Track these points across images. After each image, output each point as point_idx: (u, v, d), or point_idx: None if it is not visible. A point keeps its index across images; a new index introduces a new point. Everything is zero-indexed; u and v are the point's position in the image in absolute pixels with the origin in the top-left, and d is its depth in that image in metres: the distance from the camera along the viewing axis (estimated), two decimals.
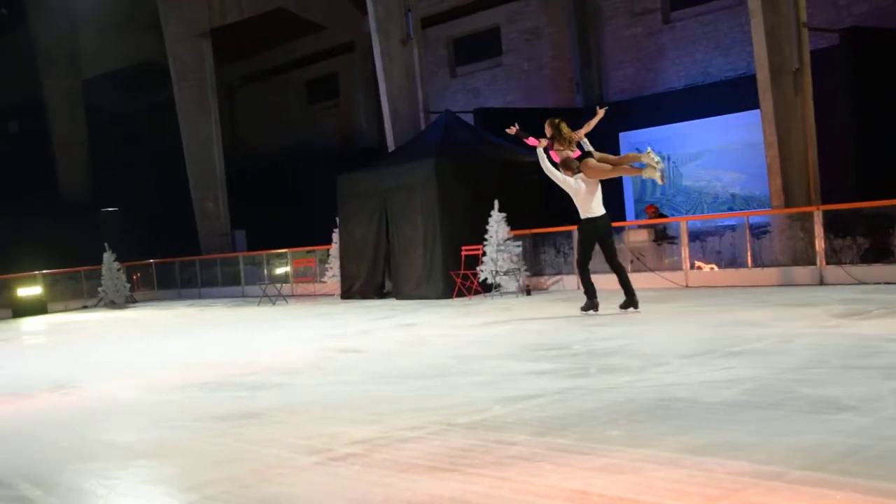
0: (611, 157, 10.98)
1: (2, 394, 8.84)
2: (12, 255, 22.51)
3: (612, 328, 9.52)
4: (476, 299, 14.67)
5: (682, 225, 14.22)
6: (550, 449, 4.64)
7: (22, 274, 21.93)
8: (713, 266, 13.84)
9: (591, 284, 10.84)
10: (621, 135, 20.92)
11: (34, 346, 14.78)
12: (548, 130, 10.89)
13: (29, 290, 21.89)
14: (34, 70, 29.38)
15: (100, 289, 22.05)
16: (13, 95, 30.86)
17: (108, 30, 28.06)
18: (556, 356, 7.84)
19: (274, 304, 17.78)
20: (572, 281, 14.99)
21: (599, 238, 10.67)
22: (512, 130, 11.02)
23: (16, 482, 5.04)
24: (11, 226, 25.50)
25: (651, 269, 14.20)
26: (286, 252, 20.52)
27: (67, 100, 29.68)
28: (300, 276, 20.12)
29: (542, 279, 15.50)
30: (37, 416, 7.40)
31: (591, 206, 10.60)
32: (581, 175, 10.63)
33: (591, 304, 10.81)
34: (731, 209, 18.82)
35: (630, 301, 10.61)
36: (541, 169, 10.70)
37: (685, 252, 13.88)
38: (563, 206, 16.29)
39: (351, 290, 17.23)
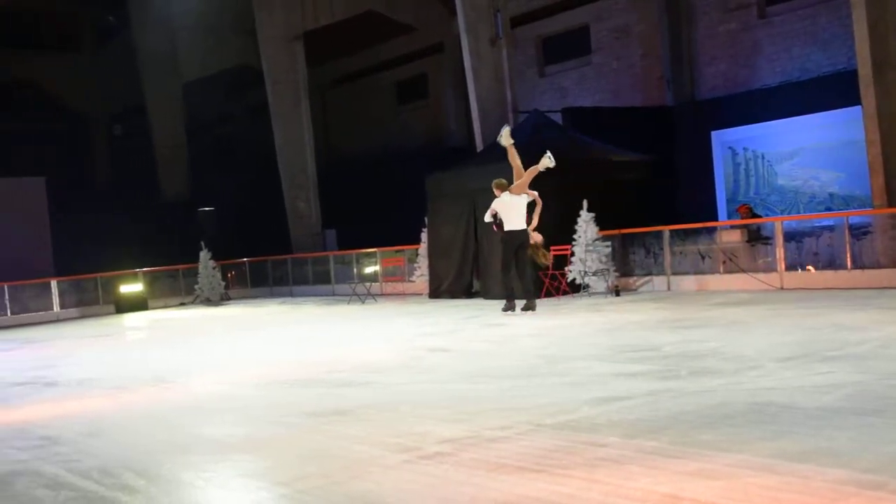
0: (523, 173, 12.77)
1: (106, 388, 9.19)
2: (116, 254, 23.34)
3: (703, 330, 9.33)
4: (564, 299, 14.57)
5: (777, 225, 13.84)
6: (640, 452, 4.59)
7: (125, 271, 22.72)
8: (810, 267, 13.45)
9: (513, 288, 12.83)
10: (713, 133, 20.50)
11: (135, 342, 15.31)
12: (497, 190, 12.95)
13: (131, 287, 22.66)
14: (137, 75, 30.41)
15: (196, 286, 22.68)
16: (117, 100, 32.08)
17: (205, 35, 28.86)
18: (646, 358, 7.74)
19: (363, 302, 18.00)
20: (663, 282, 14.77)
21: (517, 247, 12.63)
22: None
23: (120, 472, 5.24)
24: (115, 225, 26.48)
25: (744, 271, 13.87)
26: (375, 251, 20.74)
27: (167, 103, 30.61)
28: (389, 275, 20.32)
29: (632, 280, 15.30)
30: (138, 409, 7.68)
31: (514, 220, 12.57)
32: (508, 192, 12.67)
33: (510, 305, 12.75)
34: (828, 209, 18.22)
35: (529, 304, 12.55)
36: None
37: (780, 253, 13.51)
38: (655, 207, 16.13)
39: (439, 290, 17.31)
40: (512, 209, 12.59)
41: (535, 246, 12.68)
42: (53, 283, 21.93)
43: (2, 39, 31.16)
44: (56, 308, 21.52)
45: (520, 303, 12.71)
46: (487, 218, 12.92)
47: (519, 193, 12.61)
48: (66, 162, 32.06)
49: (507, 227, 12.59)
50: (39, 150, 30.70)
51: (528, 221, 12.70)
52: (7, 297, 21.16)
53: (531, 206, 12.73)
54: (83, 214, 27.12)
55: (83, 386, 9.47)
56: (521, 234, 12.61)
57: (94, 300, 22.21)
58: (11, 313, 21.05)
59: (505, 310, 12.75)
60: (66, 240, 24.57)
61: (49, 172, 27.19)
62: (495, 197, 12.95)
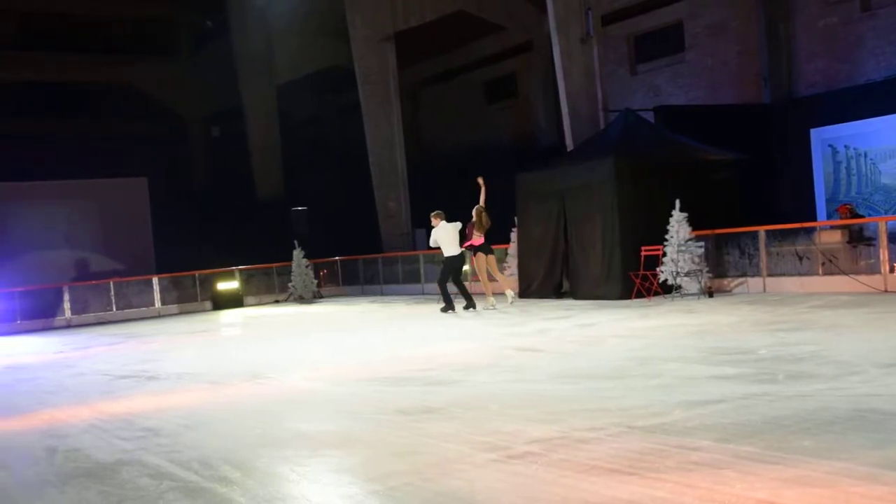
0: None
1: (205, 382, 9.48)
2: (214, 252, 24.03)
3: (801, 333, 9.07)
4: (655, 300, 14.36)
5: (881, 225, 13.33)
6: (735, 456, 4.50)
7: (222, 269, 23.36)
8: None
9: (450, 295, 15.33)
10: (812, 131, 19.90)
11: (232, 338, 15.72)
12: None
13: (227, 285, 23.26)
14: (234, 77, 31.22)
15: (290, 284, 23.14)
16: (215, 102, 32.99)
17: (298, 38, 29.44)
18: (741, 360, 7.57)
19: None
20: (758, 283, 14.41)
21: (456, 268, 15.57)
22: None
23: (217, 464, 5.41)
24: (213, 224, 27.26)
25: (844, 272, 13.42)
26: (464, 251, 20.76)
27: (262, 105, 31.29)
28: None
29: (725, 281, 14.96)
30: (235, 403, 7.89)
31: (451, 247, 15.28)
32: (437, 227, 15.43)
33: (449, 307, 15.17)
34: None
35: (469, 304, 15.37)
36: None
37: (884, 254, 13.02)
38: (751, 207, 15.75)
39: (528, 289, 17.26)
40: (449, 240, 15.34)
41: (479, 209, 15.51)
42: (155, 280, 22.68)
43: (105, 46, 32.42)
44: (157, 304, 22.26)
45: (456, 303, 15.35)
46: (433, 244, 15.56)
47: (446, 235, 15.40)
48: (167, 163, 33.19)
49: (447, 254, 15.33)
50: (141, 152, 31.85)
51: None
52: (112, 293, 22.00)
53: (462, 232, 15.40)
54: (182, 214, 28.04)
55: (183, 380, 9.78)
56: (460, 257, 15.53)
57: (192, 297, 22.89)
58: (116, 308, 21.89)
59: (444, 310, 15.22)
60: (167, 238, 25.40)
61: (150, 173, 28.22)
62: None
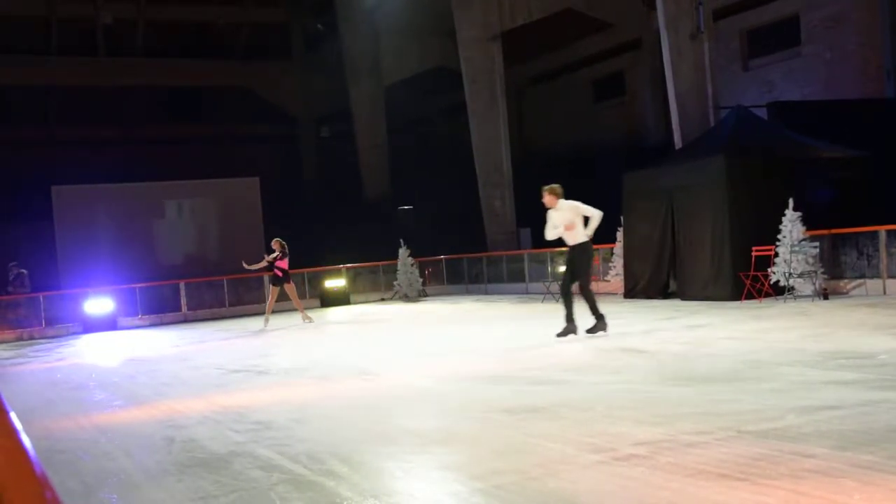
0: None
1: (313, 377, 9.70)
2: (322, 250, 24.53)
3: None
4: (766, 302, 13.94)
5: None
6: (853, 465, 4.34)
7: (329, 267, 23.83)
8: None
9: (573, 311, 11.09)
10: None
11: (339, 335, 16.02)
12: (276, 246, 15.64)
13: (335, 283, 23.71)
14: (342, 79, 31.84)
15: (395, 282, 23.43)
16: (325, 103, 33.70)
17: (405, 38, 29.79)
18: (859, 366, 7.29)
19: (557, 301, 17.95)
20: (877, 285, 13.82)
21: (579, 266, 11.38)
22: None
23: (325, 458, 5.53)
24: (323, 222, 27.84)
25: None
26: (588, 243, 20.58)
27: (370, 105, 31.81)
28: None
29: (842, 283, 14.40)
30: (343, 398, 8.05)
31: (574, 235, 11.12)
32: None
33: (570, 328, 11.02)
34: None
35: (598, 324, 11.14)
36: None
37: None
38: (872, 206, 15.11)
39: (634, 290, 17.01)
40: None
41: None
42: (266, 278, 23.28)
43: (222, 51, 33.56)
44: (267, 301, 22.86)
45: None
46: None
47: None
48: (278, 163, 34.09)
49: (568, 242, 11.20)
50: (254, 153, 32.83)
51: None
52: (226, 290, 22.72)
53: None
54: (292, 212, 28.71)
55: (292, 375, 10.03)
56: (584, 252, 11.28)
57: (301, 294, 23.32)
58: (229, 305, 22.59)
59: (561, 334, 10.99)
60: (278, 236, 26.05)
61: (262, 173, 29.00)
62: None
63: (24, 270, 21.65)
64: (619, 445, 5.15)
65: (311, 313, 18.95)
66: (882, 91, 20.19)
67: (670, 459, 4.73)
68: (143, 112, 32.85)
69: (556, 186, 11.19)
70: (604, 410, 6.31)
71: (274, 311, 18.26)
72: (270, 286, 18.21)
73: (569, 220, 10.86)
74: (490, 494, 4.43)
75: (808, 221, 13.91)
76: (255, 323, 19.30)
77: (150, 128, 32.63)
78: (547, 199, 11.20)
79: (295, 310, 18.37)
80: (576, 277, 11.12)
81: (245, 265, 18.03)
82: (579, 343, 10.82)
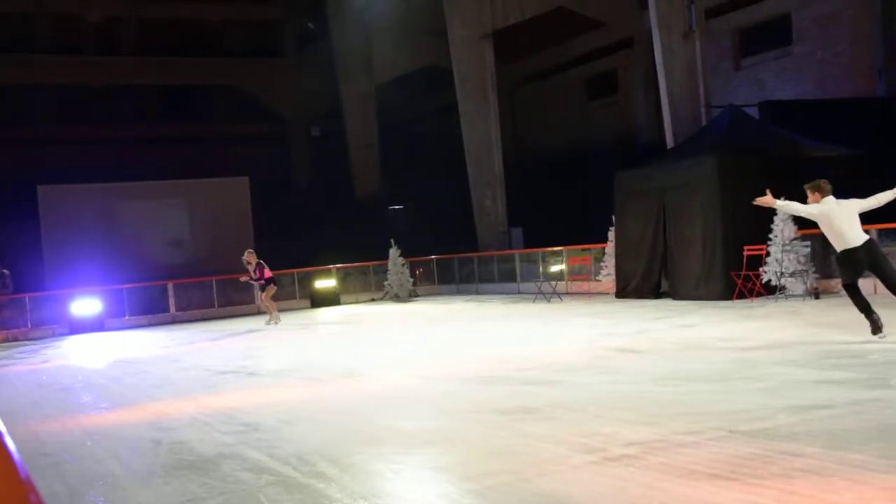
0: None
1: (303, 378, 9.64)
2: (312, 250, 24.44)
3: None
4: (758, 301, 13.94)
5: None
6: (844, 464, 4.31)
7: (320, 267, 23.75)
8: None
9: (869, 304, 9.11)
10: None
11: (329, 335, 15.96)
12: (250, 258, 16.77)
13: (325, 283, 23.63)
14: (333, 78, 31.76)
15: (386, 283, 23.37)
16: (315, 102, 33.62)
17: (397, 37, 29.72)
18: (850, 365, 7.27)
19: (549, 301, 17.95)
20: (868, 285, 13.79)
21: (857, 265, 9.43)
22: None
23: (315, 459, 5.48)
24: (313, 222, 27.74)
25: None
26: (561, 250, 20.62)
27: (361, 104, 31.75)
28: (575, 274, 20.15)
29: (833, 282, 14.39)
30: (332, 399, 8.00)
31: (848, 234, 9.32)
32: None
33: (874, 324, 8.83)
34: None
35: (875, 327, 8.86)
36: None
37: None
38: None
39: (626, 289, 17.00)
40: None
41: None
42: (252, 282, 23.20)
43: (212, 50, 33.44)
44: (257, 301, 22.78)
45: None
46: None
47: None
48: (268, 163, 33.97)
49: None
50: (243, 152, 32.72)
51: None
52: (215, 290, 22.62)
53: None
54: (282, 213, 28.62)
55: (281, 376, 9.97)
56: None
57: (290, 294, 23.31)
58: (218, 305, 22.49)
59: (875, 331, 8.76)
60: (266, 236, 25.95)
61: (252, 172, 28.88)
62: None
63: (5, 270, 21.35)
64: (611, 446, 5.11)
65: (300, 314, 18.91)
66: (873, 90, 20.22)
67: (662, 459, 4.70)
68: (130, 111, 32.70)
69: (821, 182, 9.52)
70: (595, 411, 6.28)
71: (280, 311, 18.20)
72: (261, 293, 18.33)
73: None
74: (481, 495, 4.38)
75: (800, 220, 13.90)
76: (243, 324, 19.24)
77: (138, 127, 32.44)
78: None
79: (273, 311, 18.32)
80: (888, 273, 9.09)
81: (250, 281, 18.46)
82: (570, 342, 10.79)
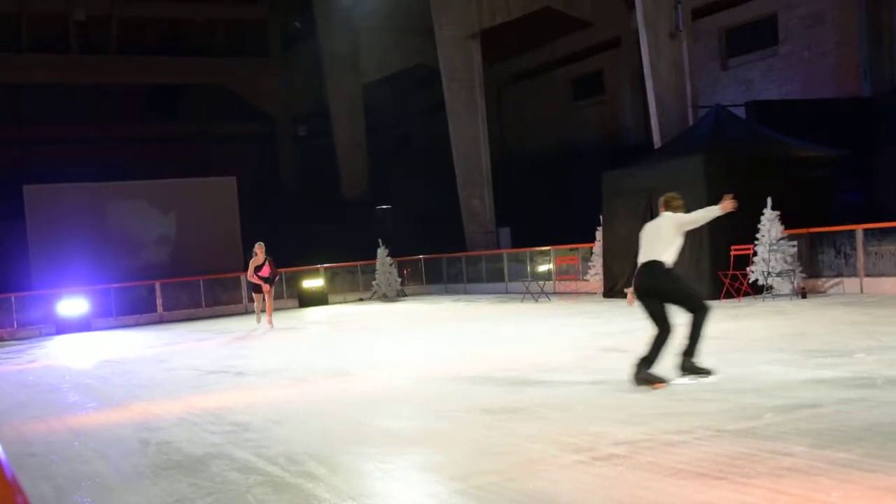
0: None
1: (291, 378, 9.62)
2: (300, 250, 24.39)
3: None
4: (745, 301, 14.00)
5: None
6: (830, 463, 4.34)
7: (307, 267, 23.72)
8: None
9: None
10: None
11: (317, 335, 15.93)
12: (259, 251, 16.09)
13: (313, 283, 23.60)
14: (320, 77, 31.70)
15: (374, 282, 23.35)
16: (303, 102, 33.56)
17: (384, 37, 29.70)
18: (837, 364, 7.31)
19: (537, 301, 17.98)
20: (854, 284, 13.90)
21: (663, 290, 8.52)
22: None
23: (303, 459, 5.47)
24: (300, 222, 27.68)
25: None
26: (549, 250, 20.65)
27: (348, 104, 31.69)
28: (563, 273, 20.18)
29: (820, 282, 14.49)
30: (319, 400, 7.99)
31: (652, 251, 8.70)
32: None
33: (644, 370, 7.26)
34: None
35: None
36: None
37: None
38: (849, 204, 15.21)
39: (613, 289, 17.02)
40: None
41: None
42: (243, 278, 23.11)
43: (199, 49, 33.33)
44: (244, 301, 22.73)
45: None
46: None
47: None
48: (255, 162, 33.88)
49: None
50: (231, 151, 32.64)
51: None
52: (202, 290, 22.56)
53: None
54: (269, 212, 28.54)
55: (269, 376, 9.95)
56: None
57: (278, 294, 23.23)
58: (205, 305, 22.43)
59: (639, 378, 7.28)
60: (254, 236, 25.90)
61: (239, 172, 28.78)
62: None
63: None
64: (599, 445, 5.12)
65: (288, 314, 18.86)
66: (859, 90, 20.33)
67: (650, 459, 4.72)
68: (117, 110, 32.55)
69: None
70: (583, 410, 6.29)
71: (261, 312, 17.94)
72: (254, 294, 17.98)
73: None
74: (469, 495, 4.39)
75: (787, 220, 13.97)
76: (231, 324, 19.19)
77: (125, 126, 32.32)
78: None
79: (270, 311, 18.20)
80: None
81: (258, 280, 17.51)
82: (558, 342, 10.81)
